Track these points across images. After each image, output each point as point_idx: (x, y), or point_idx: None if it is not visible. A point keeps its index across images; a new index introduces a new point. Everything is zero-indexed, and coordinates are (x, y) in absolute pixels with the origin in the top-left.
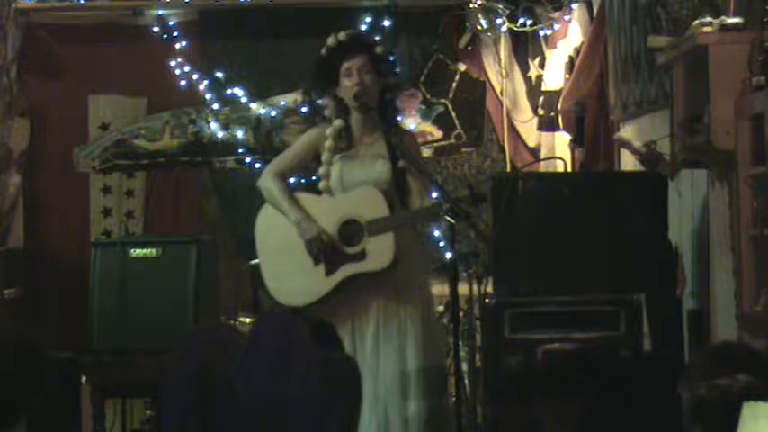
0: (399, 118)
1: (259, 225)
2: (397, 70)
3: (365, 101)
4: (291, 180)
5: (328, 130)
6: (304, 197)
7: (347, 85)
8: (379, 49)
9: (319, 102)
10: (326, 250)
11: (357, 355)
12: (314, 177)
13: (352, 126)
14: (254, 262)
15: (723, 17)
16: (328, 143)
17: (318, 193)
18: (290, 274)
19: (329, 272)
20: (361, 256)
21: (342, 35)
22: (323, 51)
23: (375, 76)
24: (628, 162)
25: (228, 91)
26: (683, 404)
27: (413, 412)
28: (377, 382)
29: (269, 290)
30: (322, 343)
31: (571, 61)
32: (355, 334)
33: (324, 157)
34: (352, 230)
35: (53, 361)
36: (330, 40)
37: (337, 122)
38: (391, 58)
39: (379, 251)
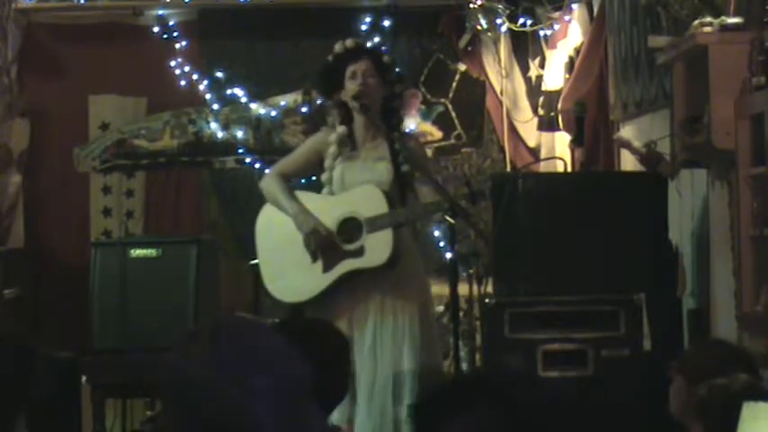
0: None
1: (259, 224)
2: (402, 81)
3: (365, 102)
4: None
5: (332, 137)
6: (304, 195)
7: (350, 87)
8: (385, 58)
9: (323, 102)
10: (324, 244)
11: (355, 352)
12: (313, 177)
13: (356, 131)
14: (254, 261)
15: (723, 17)
16: (332, 150)
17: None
18: (288, 272)
19: (327, 268)
20: (360, 252)
21: (349, 42)
22: (329, 57)
23: (378, 81)
24: (628, 162)
25: (228, 91)
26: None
27: (407, 412)
28: (374, 380)
29: (267, 287)
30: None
31: (571, 61)
32: (354, 331)
33: (326, 163)
34: (351, 228)
35: (53, 361)
36: (337, 47)
37: (341, 129)
38: (397, 69)
39: (377, 248)
